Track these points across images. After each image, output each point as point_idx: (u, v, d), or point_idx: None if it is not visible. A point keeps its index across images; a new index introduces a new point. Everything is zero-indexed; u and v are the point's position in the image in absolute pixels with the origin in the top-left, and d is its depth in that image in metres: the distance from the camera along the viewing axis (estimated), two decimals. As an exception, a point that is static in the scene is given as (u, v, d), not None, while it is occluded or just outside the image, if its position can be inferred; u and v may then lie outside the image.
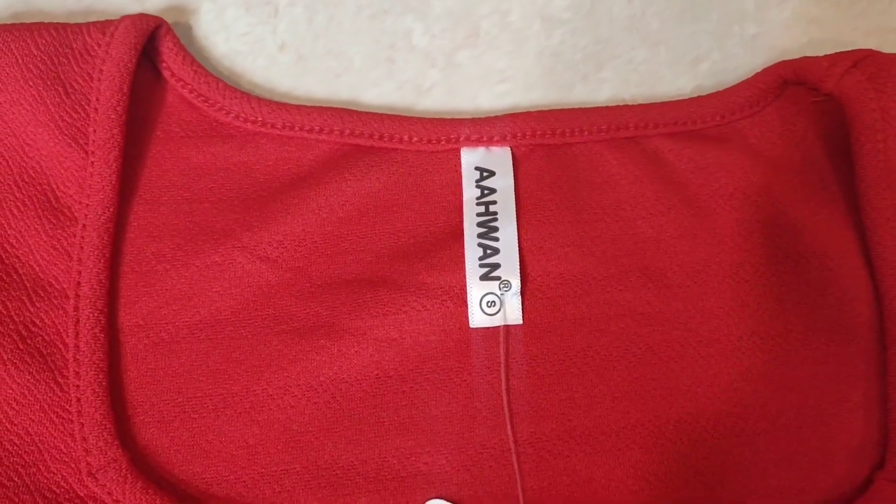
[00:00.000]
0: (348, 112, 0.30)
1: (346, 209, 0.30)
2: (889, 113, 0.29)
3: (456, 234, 0.29)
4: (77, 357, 0.26)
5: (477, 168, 0.30)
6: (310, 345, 0.28)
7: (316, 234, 0.29)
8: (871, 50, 0.30)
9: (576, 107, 0.31)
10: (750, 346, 0.28)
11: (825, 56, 0.30)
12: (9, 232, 0.28)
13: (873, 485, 0.27)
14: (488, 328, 0.29)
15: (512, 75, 0.33)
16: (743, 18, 0.33)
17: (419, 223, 0.30)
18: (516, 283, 0.28)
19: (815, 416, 0.28)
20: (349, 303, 0.29)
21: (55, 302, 0.27)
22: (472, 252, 0.29)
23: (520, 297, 0.29)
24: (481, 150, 0.30)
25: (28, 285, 0.27)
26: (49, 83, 0.28)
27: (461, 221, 0.29)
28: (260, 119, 0.30)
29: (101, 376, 0.27)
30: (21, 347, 0.26)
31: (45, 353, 0.27)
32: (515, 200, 0.30)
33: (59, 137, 0.28)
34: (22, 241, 0.28)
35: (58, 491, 0.26)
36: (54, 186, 0.28)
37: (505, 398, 0.28)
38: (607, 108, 0.31)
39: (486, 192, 0.29)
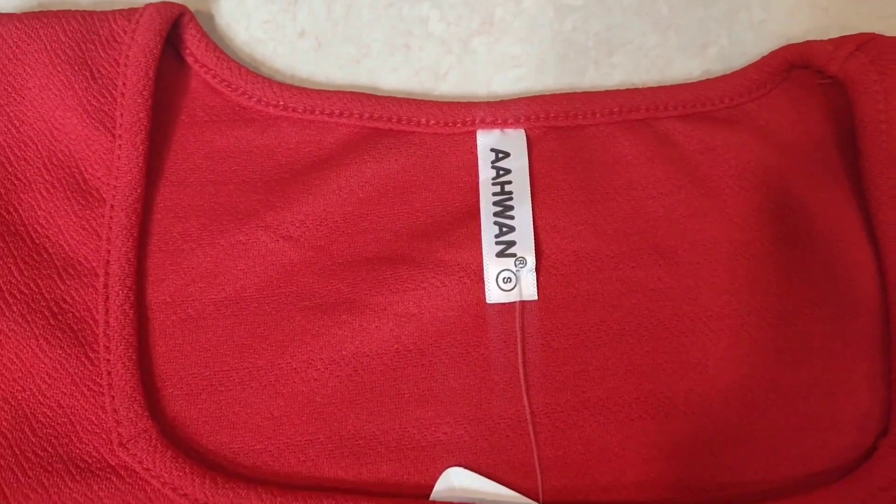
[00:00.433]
0: (367, 96, 0.31)
1: (365, 190, 0.30)
2: (892, 94, 0.29)
3: (472, 213, 0.30)
4: (107, 332, 0.27)
5: (492, 150, 0.30)
6: (332, 320, 0.29)
7: (337, 213, 0.30)
8: (873, 34, 0.31)
9: (588, 91, 0.32)
10: (759, 322, 0.29)
11: (830, 40, 0.31)
12: (39, 213, 0.28)
13: (877, 451, 0.27)
14: (504, 304, 0.29)
15: (525, 61, 0.33)
16: (750, 5, 0.33)
17: (437, 203, 0.30)
18: (531, 260, 0.29)
19: (822, 389, 0.28)
20: (369, 279, 0.29)
21: (85, 280, 0.28)
22: (488, 230, 0.29)
23: (535, 274, 0.29)
24: (496, 132, 0.31)
25: (58, 264, 0.28)
26: (77, 68, 0.29)
27: (477, 201, 0.30)
28: (281, 103, 0.31)
29: (130, 351, 0.27)
30: (52, 323, 0.27)
31: (75, 328, 0.27)
32: (530, 181, 0.30)
33: (87, 121, 0.29)
34: (52, 221, 0.28)
35: (90, 460, 0.26)
36: (82, 169, 0.29)
37: (521, 371, 0.28)
38: (618, 91, 0.31)
39: (501, 172, 0.30)
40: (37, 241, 0.28)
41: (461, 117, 0.31)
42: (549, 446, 0.28)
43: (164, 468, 0.26)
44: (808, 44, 0.31)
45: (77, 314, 0.27)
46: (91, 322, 0.27)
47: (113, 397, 0.27)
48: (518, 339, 0.29)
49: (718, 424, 0.28)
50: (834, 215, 0.30)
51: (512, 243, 0.29)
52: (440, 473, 0.28)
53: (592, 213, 0.30)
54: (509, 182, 0.30)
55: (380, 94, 0.32)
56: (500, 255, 0.29)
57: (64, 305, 0.27)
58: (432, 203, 0.30)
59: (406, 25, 0.33)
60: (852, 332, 0.29)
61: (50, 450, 0.27)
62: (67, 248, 0.28)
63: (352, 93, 0.31)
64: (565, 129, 0.31)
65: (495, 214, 0.29)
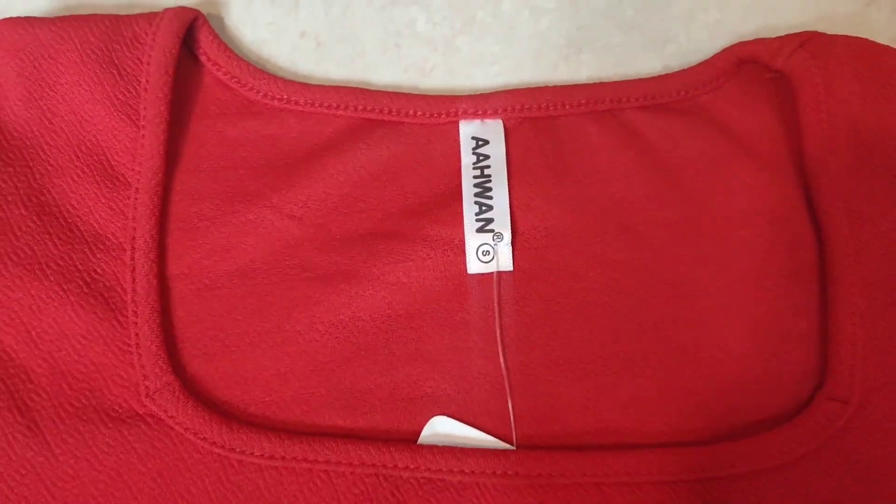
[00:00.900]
0: (361, 91, 0.33)
1: (360, 174, 0.32)
2: (830, 87, 0.31)
3: (455, 194, 0.32)
4: (134, 300, 0.29)
5: (473, 138, 0.32)
6: (331, 288, 0.31)
7: (335, 195, 0.31)
8: (815, 32, 0.32)
9: (559, 84, 0.33)
10: (709, 288, 0.30)
11: (776, 38, 0.32)
12: (71, 195, 0.30)
13: (814, 402, 0.29)
14: (483, 274, 0.31)
15: (503, 58, 0.34)
16: (706, 6, 0.34)
17: (423, 185, 0.32)
18: (507, 235, 0.31)
19: (766, 348, 0.30)
20: (364, 253, 0.31)
21: (113, 254, 0.30)
22: (469, 209, 0.31)
23: (510, 248, 0.31)
24: (477, 122, 0.32)
25: (89, 240, 0.30)
26: (104, 66, 0.31)
27: (460, 183, 0.32)
28: (285, 97, 0.32)
29: (154, 316, 0.29)
30: (86, 292, 0.29)
31: (106, 296, 0.29)
32: (507, 165, 0.32)
33: (114, 113, 0.30)
34: (82, 202, 0.30)
35: (120, 410, 0.28)
36: (109, 156, 0.30)
37: (498, 333, 0.30)
38: (587, 85, 0.33)
39: (481, 158, 0.32)
40: (69, 220, 0.30)
41: (445, 109, 0.32)
42: (522, 398, 0.30)
43: (186, 416, 0.28)
44: (757, 41, 0.32)
45: (107, 284, 0.29)
46: (120, 291, 0.29)
47: (140, 356, 0.29)
48: (495, 305, 0.31)
49: (671, 380, 0.30)
50: (779, 194, 0.31)
51: (490, 220, 0.31)
52: (426, 421, 0.30)
53: (563, 194, 0.32)
54: (488, 167, 0.31)
55: (373, 88, 0.33)
56: (480, 230, 0.31)
57: (95, 276, 0.29)
58: (419, 185, 0.32)
59: (396, 27, 0.34)
60: (793, 298, 0.30)
61: (85, 401, 0.28)
62: (97, 226, 0.30)
63: (348, 87, 0.33)
64: (539, 119, 0.32)
65: (475, 195, 0.31)
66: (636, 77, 0.34)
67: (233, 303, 0.31)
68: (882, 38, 0.33)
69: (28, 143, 0.30)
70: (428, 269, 0.31)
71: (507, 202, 0.31)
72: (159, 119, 0.30)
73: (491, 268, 0.31)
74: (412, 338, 0.31)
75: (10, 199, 0.30)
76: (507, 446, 0.29)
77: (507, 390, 0.30)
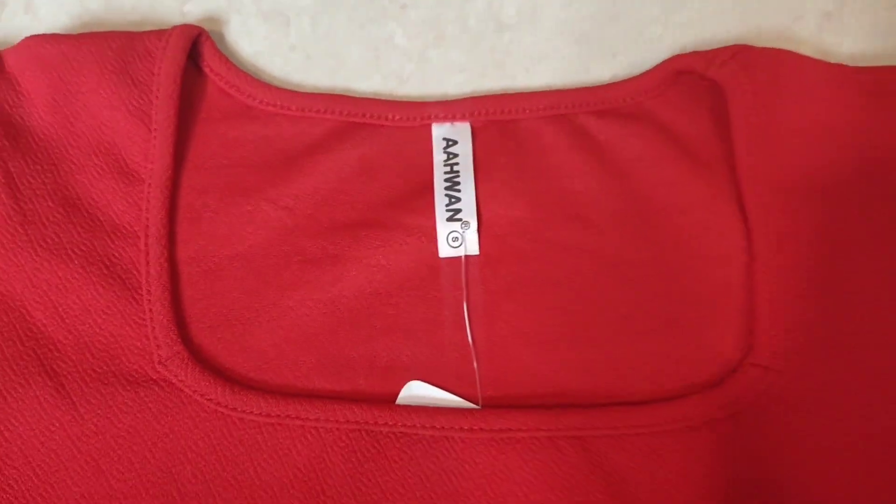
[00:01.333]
0: (345, 97, 0.34)
1: (345, 170, 0.33)
2: (757, 94, 0.32)
3: (428, 188, 0.33)
4: (148, 280, 0.31)
5: (444, 139, 0.34)
6: (320, 270, 0.32)
7: (323, 188, 0.33)
8: (746, 45, 0.34)
9: (520, 91, 0.35)
10: (650, 269, 0.33)
11: (711, 50, 0.34)
12: (91, 190, 0.32)
13: (741, 367, 0.31)
14: (453, 257, 0.33)
15: (470, 68, 0.36)
16: (652, 22, 0.36)
17: (400, 180, 0.34)
18: (474, 224, 0.33)
19: (703, 320, 0.32)
20: (349, 239, 0.33)
21: (130, 241, 0.31)
22: (440, 201, 0.33)
23: (476, 234, 0.33)
24: (447, 125, 0.34)
25: (108, 229, 0.31)
26: (121, 77, 0.32)
27: (432, 178, 0.33)
28: (278, 103, 0.34)
29: (166, 293, 0.31)
30: (106, 273, 0.31)
31: (123, 277, 0.31)
32: (473, 163, 0.33)
33: (129, 118, 0.32)
34: (102, 196, 0.32)
35: (136, 375, 0.30)
36: (125, 155, 0.32)
37: (465, 309, 0.32)
38: (544, 92, 0.35)
39: (450, 156, 0.33)
40: (91, 212, 0.31)
41: (419, 113, 0.34)
42: (486, 365, 0.32)
43: (194, 380, 0.30)
44: (694, 54, 0.34)
45: (124, 267, 0.31)
46: (135, 273, 0.31)
47: (153, 328, 0.31)
48: (463, 285, 0.32)
49: (616, 348, 0.32)
50: (712, 187, 0.33)
51: (459, 210, 0.33)
52: (403, 385, 0.32)
53: (522, 187, 0.33)
54: (457, 164, 0.33)
55: (355, 95, 0.35)
56: (450, 219, 0.33)
57: (114, 260, 0.31)
58: (397, 180, 0.34)
59: (375, 41, 0.36)
60: (724, 279, 0.32)
61: (105, 367, 0.30)
62: (115, 217, 0.32)
63: (333, 94, 0.34)
64: (502, 122, 0.34)
65: (446, 189, 0.33)
66: (588, 85, 0.35)
67: (234, 283, 0.32)
68: (807, 50, 0.35)
69: (53, 144, 0.32)
70: (404, 253, 0.33)
71: (474, 195, 0.33)
72: (168, 122, 0.32)
73: (460, 252, 0.33)
74: (391, 313, 0.32)
75: (38, 193, 0.31)
76: (473, 406, 0.31)
77: (474, 358, 0.32)
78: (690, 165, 0.34)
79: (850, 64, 0.34)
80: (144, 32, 0.34)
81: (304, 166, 0.34)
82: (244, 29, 0.36)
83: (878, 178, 0.33)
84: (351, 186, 0.34)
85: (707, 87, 0.34)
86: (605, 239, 0.33)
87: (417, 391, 0.32)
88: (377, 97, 0.35)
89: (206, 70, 0.35)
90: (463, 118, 0.34)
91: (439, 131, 0.34)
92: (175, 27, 0.34)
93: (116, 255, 0.32)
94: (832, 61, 0.34)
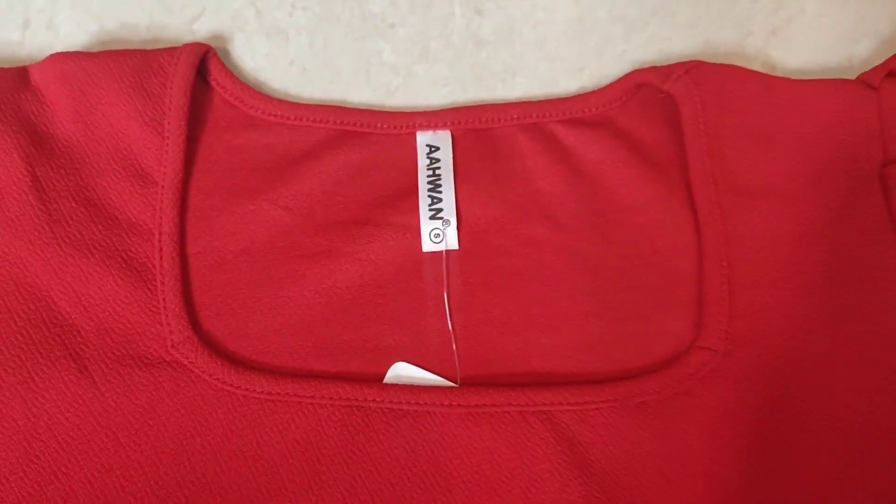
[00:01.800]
0: (339, 108, 0.36)
1: (338, 174, 0.35)
2: (706, 106, 0.35)
3: (413, 190, 0.35)
4: (161, 272, 0.33)
5: (427, 145, 0.35)
6: (316, 264, 0.34)
7: (318, 190, 0.35)
8: (699, 61, 0.35)
9: (496, 102, 0.37)
10: (611, 263, 0.34)
11: (667, 66, 0.36)
12: (110, 191, 0.33)
13: (690, 350, 0.33)
14: (435, 252, 0.34)
15: (452, 81, 0.37)
16: (615, 40, 0.38)
17: (388, 182, 0.35)
18: (454, 222, 0.34)
19: (657, 307, 0.34)
20: (342, 235, 0.34)
21: (145, 237, 0.33)
22: (424, 201, 0.34)
23: (456, 231, 0.34)
24: (430, 133, 0.36)
25: (125, 226, 0.33)
26: (136, 90, 0.34)
27: (416, 181, 0.35)
28: (279, 113, 0.35)
29: (177, 285, 0.33)
30: (124, 266, 0.33)
31: (139, 270, 0.33)
32: (453, 167, 0.35)
33: (144, 127, 0.34)
34: (119, 197, 0.33)
35: (151, 358, 0.32)
36: (140, 160, 0.34)
37: (445, 299, 0.34)
38: (518, 103, 0.36)
39: (433, 161, 0.35)
40: (109, 211, 0.33)
41: (405, 122, 0.35)
42: (464, 348, 0.34)
43: (203, 361, 0.32)
44: (653, 69, 0.36)
45: (140, 260, 0.33)
46: (150, 266, 0.33)
47: (166, 315, 0.32)
48: (444, 277, 0.34)
49: (580, 334, 0.34)
50: (666, 189, 0.35)
51: (440, 210, 0.34)
52: (390, 366, 0.33)
53: (498, 189, 0.35)
54: (439, 168, 0.35)
55: (348, 106, 0.36)
56: (432, 218, 0.34)
57: (131, 254, 0.33)
58: (385, 182, 0.35)
59: (366, 56, 0.37)
60: (678, 271, 0.34)
61: (123, 351, 0.32)
62: (131, 216, 0.33)
63: (328, 106, 0.36)
64: (480, 130, 0.36)
65: (429, 190, 0.35)
66: (558, 97, 0.37)
67: (238, 275, 0.34)
68: (756, 65, 0.38)
69: (76, 150, 0.34)
70: (391, 248, 0.34)
71: (454, 196, 0.35)
72: (179, 131, 0.34)
73: (441, 247, 0.34)
74: (380, 302, 0.34)
75: (62, 194, 0.33)
76: (452, 384, 0.33)
77: (453, 342, 0.34)
78: (648, 168, 0.36)
79: (796, 77, 0.36)
80: (157, 50, 0.35)
81: (301, 170, 0.35)
82: (248, 46, 0.38)
83: (818, 178, 0.34)
84: (344, 188, 0.35)
85: (664, 99, 0.36)
86: (571, 235, 0.35)
87: (403, 371, 0.34)
88: (368, 108, 0.36)
89: (213, 83, 0.36)
90: (444, 127, 0.36)
91: (423, 139, 0.36)
92: (185, 45, 0.36)
93: (133, 250, 0.33)
94: (779, 75, 0.36)
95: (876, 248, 0.34)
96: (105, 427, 0.31)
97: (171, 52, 0.35)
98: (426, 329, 0.34)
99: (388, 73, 0.38)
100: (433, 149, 0.36)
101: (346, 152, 0.36)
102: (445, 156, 0.35)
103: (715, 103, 0.35)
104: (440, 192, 0.35)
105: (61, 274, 0.32)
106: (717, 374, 0.33)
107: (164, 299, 0.33)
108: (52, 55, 0.35)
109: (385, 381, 0.33)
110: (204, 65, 0.36)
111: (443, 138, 0.36)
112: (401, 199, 0.35)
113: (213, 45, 0.36)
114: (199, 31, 0.38)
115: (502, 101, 0.37)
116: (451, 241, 0.35)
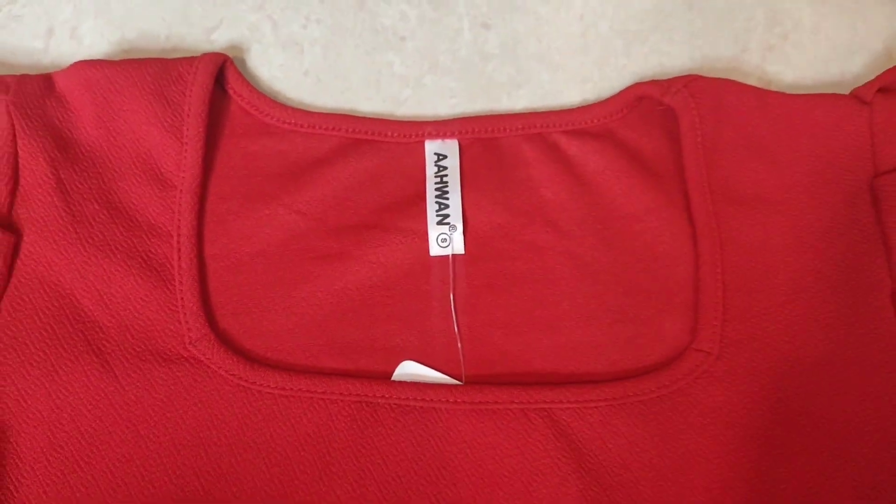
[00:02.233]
0: (351, 117, 0.37)
1: (350, 180, 0.36)
2: (704, 119, 0.36)
3: (421, 196, 0.36)
4: (180, 273, 0.34)
5: (435, 153, 0.36)
6: (328, 266, 0.35)
7: (330, 196, 0.36)
8: (697, 75, 0.37)
9: (502, 113, 0.38)
10: (611, 268, 0.35)
11: (667, 79, 0.37)
12: (131, 195, 0.34)
13: (686, 352, 0.34)
14: (442, 256, 0.35)
15: (460, 92, 0.38)
16: (616, 54, 0.39)
17: (398, 189, 0.36)
18: (460, 227, 0.35)
19: (655, 311, 0.35)
20: (353, 239, 0.35)
21: (164, 239, 0.34)
22: (431, 207, 0.35)
23: (462, 236, 0.35)
24: (438, 141, 0.37)
25: (145, 228, 0.34)
26: (157, 97, 0.35)
27: (424, 188, 0.36)
28: (293, 121, 0.36)
29: (195, 285, 0.34)
30: (144, 266, 0.34)
31: (159, 270, 0.34)
32: (460, 175, 0.36)
33: (164, 133, 0.35)
34: (140, 200, 0.34)
35: (170, 354, 0.33)
36: (160, 165, 0.35)
37: (452, 301, 0.35)
38: (523, 114, 0.37)
39: (441, 169, 0.36)
40: (131, 213, 0.34)
41: (414, 131, 0.36)
42: (469, 348, 0.34)
43: (219, 358, 0.33)
44: (653, 82, 0.37)
45: (160, 261, 0.34)
46: (169, 266, 0.34)
47: (185, 314, 0.33)
48: (450, 280, 0.35)
49: (579, 336, 0.35)
50: (665, 197, 0.36)
51: (447, 216, 0.35)
52: (398, 365, 0.34)
53: (502, 196, 0.36)
54: (446, 175, 0.36)
55: (359, 115, 0.37)
56: (439, 223, 0.35)
57: (151, 255, 0.34)
58: (395, 189, 0.36)
59: (377, 68, 0.38)
60: (674, 277, 0.35)
61: (143, 347, 0.33)
62: (151, 218, 0.34)
63: (340, 114, 0.37)
64: (486, 139, 0.37)
65: (436, 197, 0.36)
66: (561, 108, 0.38)
67: (253, 276, 0.35)
68: (752, 79, 0.39)
69: (98, 155, 0.35)
70: (400, 252, 0.35)
71: (460, 202, 0.36)
72: (198, 137, 0.35)
73: (447, 251, 0.35)
74: (388, 303, 0.35)
75: (86, 197, 0.34)
76: (457, 382, 0.34)
77: (458, 342, 0.35)
78: (647, 178, 0.37)
79: (791, 91, 0.37)
80: (177, 59, 0.36)
81: (315, 176, 0.36)
82: (264, 56, 0.39)
83: (812, 189, 0.35)
84: (355, 194, 0.36)
85: (663, 112, 0.38)
86: (573, 241, 0.36)
87: (410, 369, 0.35)
88: (379, 117, 0.38)
89: (231, 92, 0.37)
90: (452, 136, 0.37)
91: (431, 147, 0.37)
92: (203, 55, 0.37)
93: (153, 251, 0.34)
94: (774, 89, 0.38)
95: (866, 256, 0.35)
96: (125, 419, 0.32)
97: (190, 62, 0.36)
98: (433, 329, 0.35)
99: (398, 84, 0.38)
100: (441, 157, 0.37)
101: (357, 159, 0.37)
102: (453, 164, 0.36)
103: (712, 116, 0.36)
104: (447, 199, 0.36)
105: (84, 273, 0.33)
106: (712, 375, 0.34)
107: (182, 298, 0.34)
108: (75, 63, 0.36)
109: (393, 378, 0.34)
110: (222, 74, 0.37)
111: (450, 147, 0.37)
112: (409, 204, 0.36)
113: (230, 55, 0.37)
114: (217, 41, 0.39)
115: (508, 112, 0.38)
116: (458, 245, 0.36)
